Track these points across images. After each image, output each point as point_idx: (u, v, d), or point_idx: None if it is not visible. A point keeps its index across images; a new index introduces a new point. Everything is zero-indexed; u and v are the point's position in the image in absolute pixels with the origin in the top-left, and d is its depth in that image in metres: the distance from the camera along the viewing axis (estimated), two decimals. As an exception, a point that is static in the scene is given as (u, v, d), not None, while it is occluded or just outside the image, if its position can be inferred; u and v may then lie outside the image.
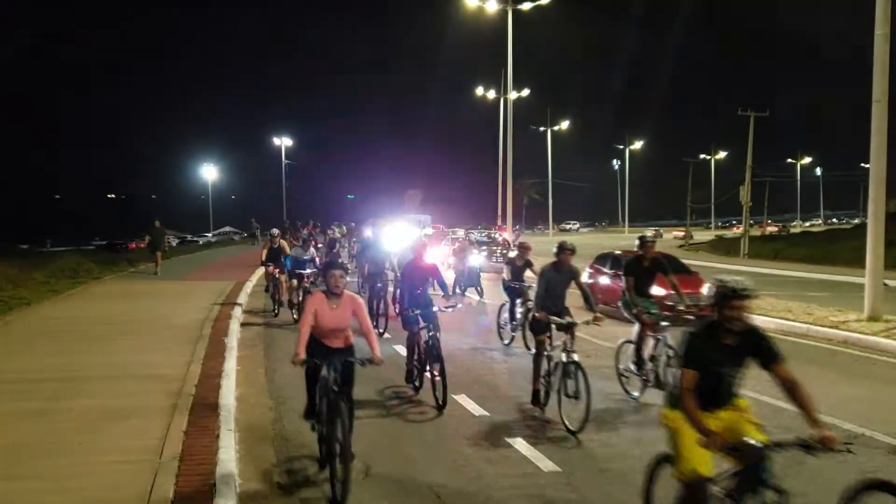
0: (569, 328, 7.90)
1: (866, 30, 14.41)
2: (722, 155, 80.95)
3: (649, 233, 12.26)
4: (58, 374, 9.28)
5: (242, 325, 14.08)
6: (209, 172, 74.18)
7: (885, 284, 15.29)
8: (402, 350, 9.95)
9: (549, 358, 8.08)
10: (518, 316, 12.35)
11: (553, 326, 8.16)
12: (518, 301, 12.46)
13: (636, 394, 8.79)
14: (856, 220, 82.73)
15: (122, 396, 8.18)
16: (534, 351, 8.47)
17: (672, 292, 9.49)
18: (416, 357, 9.07)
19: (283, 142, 72.54)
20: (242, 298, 17.57)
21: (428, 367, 8.74)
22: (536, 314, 8.17)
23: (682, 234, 74.93)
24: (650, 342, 8.82)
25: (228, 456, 6.20)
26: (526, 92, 41.84)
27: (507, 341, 12.51)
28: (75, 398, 8.09)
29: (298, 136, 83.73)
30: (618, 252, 18.21)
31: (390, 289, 15.51)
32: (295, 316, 14.54)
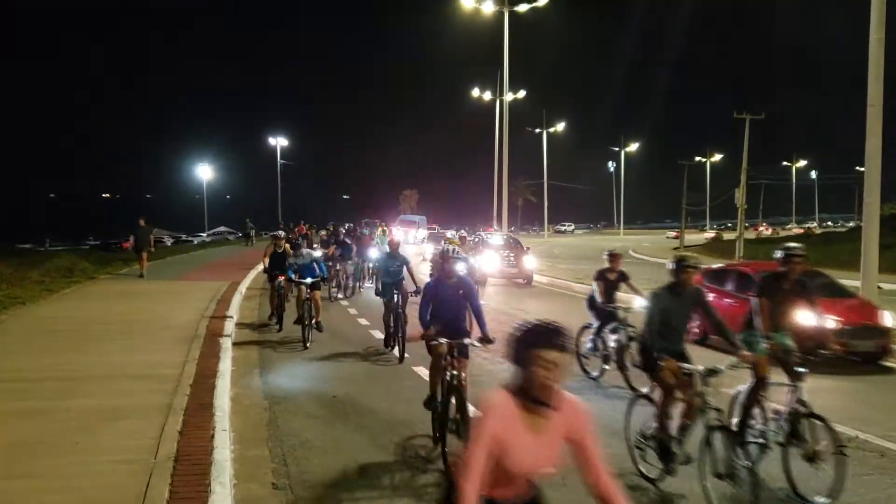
0: (709, 377, 5.72)
1: (863, 34, 14.46)
2: (718, 157, 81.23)
3: (793, 242, 8.64)
4: (54, 374, 9.27)
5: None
6: (204, 172, 74.15)
7: (880, 287, 15.34)
8: (425, 373, 8.49)
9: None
10: (612, 344, 10.22)
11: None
12: (610, 326, 10.37)
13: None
14: (850, 224, 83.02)
15: (118, 396, 8.18)
16: (656, 395, 6.29)
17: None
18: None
19: (279, 142, 72.59)
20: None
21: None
22: (662, 363, 6.02)
23: (713, 235, 75.09)
24: (780, 392, 6.54)
25: (223, 456, 6.20)
26: (522, 93, 41.94)
27: (595, 374, 10.31)
28: (71, 398, 8.09)
29: (294, 137, 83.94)
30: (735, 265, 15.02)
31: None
32: (306, 338, 12.36)
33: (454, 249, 7.89)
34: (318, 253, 15.52)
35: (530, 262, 25.42)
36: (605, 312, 10.43)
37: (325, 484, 6.04)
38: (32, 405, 7.80)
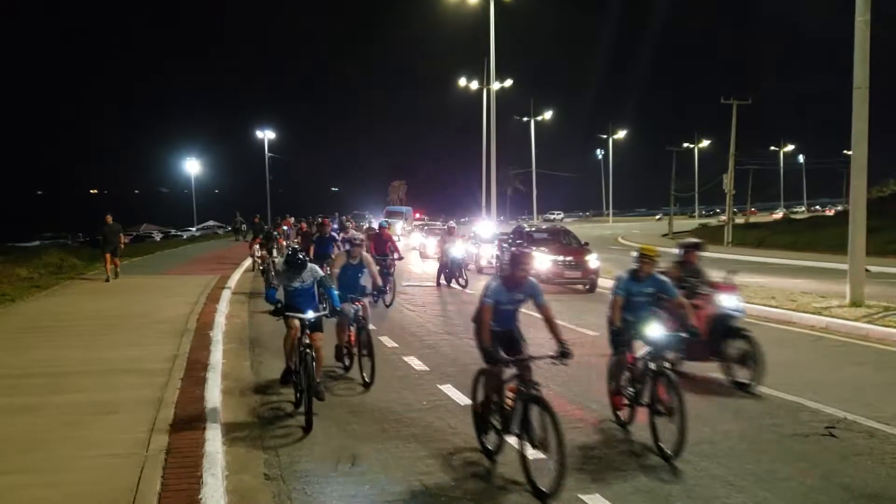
0: None
1: (849, 17, 14.49)
2: (705, 143, 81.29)
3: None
4: (43, 370, 9.25)
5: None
6: (192, 167, 74.01)
7: (868, 270, 15.45)
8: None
9: None
10: None
11: None
12: None
13: None
14: (838, 207, 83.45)
15: (108, 391, 8.16)
16: None
17: None
18: None
19: (266, 135, 72.27)
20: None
21: None
22: None
23: (781, 215, 75.83)
24: None
25: (215, 448, 6.20)
26: (509, 82, 41.85)
27: None
28: (61, 393, 8.06)
29: (283, 131, 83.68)
30: None
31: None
32: (308, 413, 7.26)
33: None
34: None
35: (594, 261, 19.50)
36: None
37: (317, 475, 6.05)
38: (21, 401, 7.76)
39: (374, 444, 6.83)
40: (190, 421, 6.98)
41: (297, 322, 7.84)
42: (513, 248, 6.66)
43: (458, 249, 20.66)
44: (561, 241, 21.06)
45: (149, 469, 5.66)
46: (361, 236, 10.14)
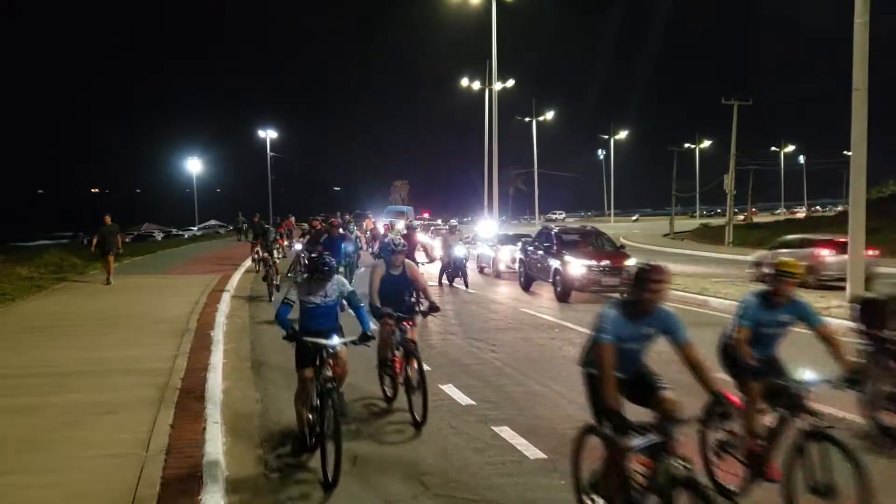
0: None
1: (849, 16, 14.50)
2: (707, 144, 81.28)
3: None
4: (43, 370, 9.26)
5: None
6: (194, 165, 74.07)
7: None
8: None
9: None
10: None
11: None
12: None
13: None
14: (838, 208, 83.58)
15: (108, 391, 8.17)
16: None
17: None
18: None
19: (268, 134, 72.27)
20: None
21: None
22: None
23: (804, 214, 75.98)
24: None
25: (215, 448, 6.21)
26: (511, 83, 41.83)
27: None
28: (61, 393, 8.08)
29: (286, 130, 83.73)
30: None
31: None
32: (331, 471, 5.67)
33: None
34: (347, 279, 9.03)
35: (633, 265, 16.25)
36: None
37: (317, 474, 6.06)
38: (21, 401, 7.78)
39: (374, 443, 6.85)
40: (190, 421, 6.99)
41: (309, 372, 6.25)
42: (640, 263, 4.76)
43: (460, 249, 20.67)
44: (594, 243, 18.97)
45: (148, 469, 5.68)
46: (402, 241, 8.54)
